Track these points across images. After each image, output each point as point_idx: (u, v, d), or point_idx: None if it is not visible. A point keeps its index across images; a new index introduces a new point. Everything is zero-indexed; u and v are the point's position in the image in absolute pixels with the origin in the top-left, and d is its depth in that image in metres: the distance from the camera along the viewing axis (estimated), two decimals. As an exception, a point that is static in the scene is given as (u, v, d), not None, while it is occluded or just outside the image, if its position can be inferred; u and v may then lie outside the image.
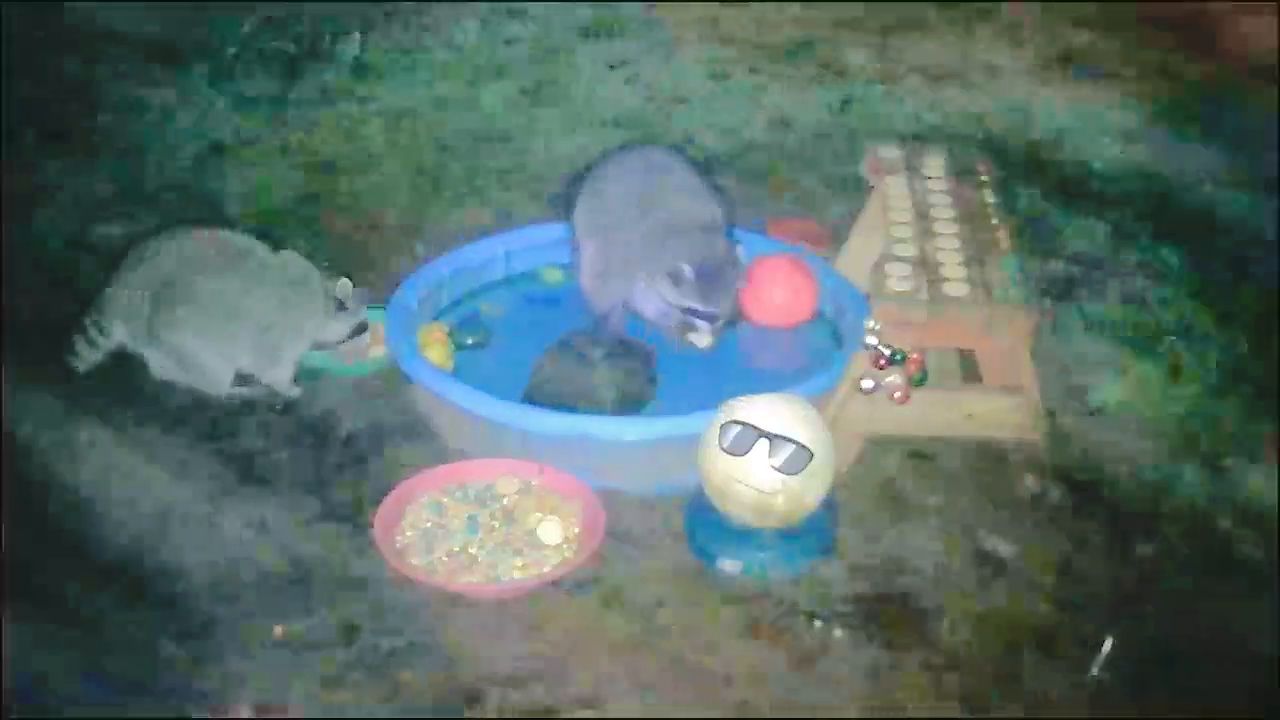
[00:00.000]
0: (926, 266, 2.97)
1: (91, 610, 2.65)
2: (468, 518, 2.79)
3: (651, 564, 2.76)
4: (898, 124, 4.14)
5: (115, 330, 3.12)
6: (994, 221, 3.14)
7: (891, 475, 2.96)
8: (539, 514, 2.79)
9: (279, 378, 3.15)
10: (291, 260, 3.17)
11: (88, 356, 3.15)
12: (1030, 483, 2.92)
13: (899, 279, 2.93)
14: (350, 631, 2.61)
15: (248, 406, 3.12)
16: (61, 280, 3.45)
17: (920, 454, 2.99)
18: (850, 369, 2.93)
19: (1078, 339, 3.31)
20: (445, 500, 2.83)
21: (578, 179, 3.34)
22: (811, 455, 2.66)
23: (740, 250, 3.19)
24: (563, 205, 3.35)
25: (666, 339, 3.19)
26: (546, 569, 2.70)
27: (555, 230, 3.38)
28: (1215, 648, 2.60)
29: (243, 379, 3.14)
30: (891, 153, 3.33)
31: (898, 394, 2.87)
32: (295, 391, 3.16)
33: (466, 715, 2.47)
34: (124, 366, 3.16)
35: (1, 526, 2.78)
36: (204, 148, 4.01)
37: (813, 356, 3.16)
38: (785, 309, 3.26)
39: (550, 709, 2.48)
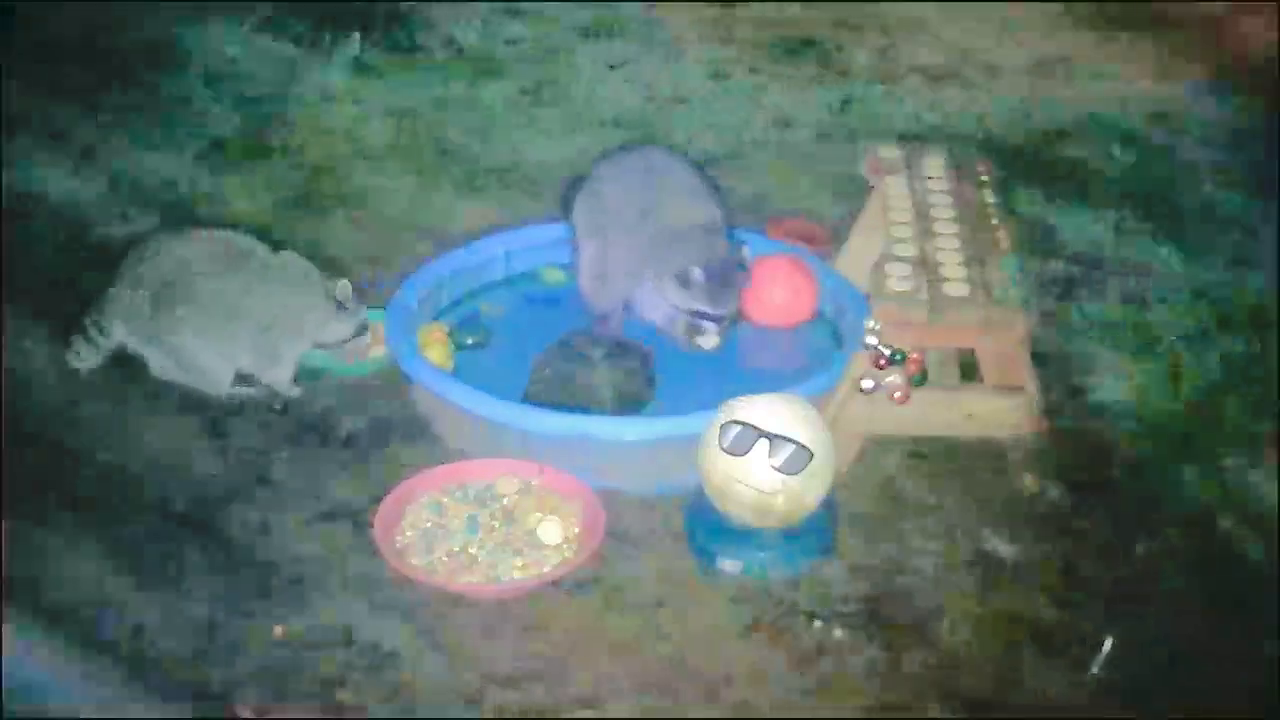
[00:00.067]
0: (926, 266, 2.97)
1: (91, 610, 2.65)
2: (468, 518, 2.79)
3: (651, 564, 2.76)
4: (898, 124, 4.14)
5: (115, 330, 3.12)
6: (994, 221, 3.14)
7: (891, 475, 2.96)
8: (539, 514, 2.79)
9: (279, 378, 3.15)
10: (291, 260, 3.17)
11: (88, 356, 3.15)
12: (1030, 483, 2.92)
13: (899, 279, 2.93)
14: (350, 631, 2.61)
15: (248, 406, 3.12)
16: (61, 280, 3.45)
17: (920, 454, 2.99)
18: (850, 369, 2.92)
19: (1078, 339, 3.31)
20: (445, 500, 2.83)
21: (578, 179, 3.34)
22: (811, 455, 2.66)
23: (747, 250, 3.19)
24: (562, 205, 3.36)
25: (674, 342, 3.19)
26: (546, 569, 2.70)
27: (555, 230, 3.38)
28: (1215, 648, 2.60)
29: (243, 379, 3.14)
30: (891, 153, 3.33)
31: (898, 394, 2.87)
32: (295, 391, 3.16)
33: (466, 715, 2.47)
34: (124, 366, 3.16)
35: (1, 527, 2.79)
36: (204, 148, 4.01)
37: (813, 356, 3.16)
38: (785, 309, 3.26)
39: (550, 709, 2.48)
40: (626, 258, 3.19)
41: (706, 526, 2.77)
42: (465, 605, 2.66)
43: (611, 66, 4.42)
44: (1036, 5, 4.69)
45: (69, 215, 3.71)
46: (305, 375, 3.18)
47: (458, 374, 3.08)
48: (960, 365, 3.06)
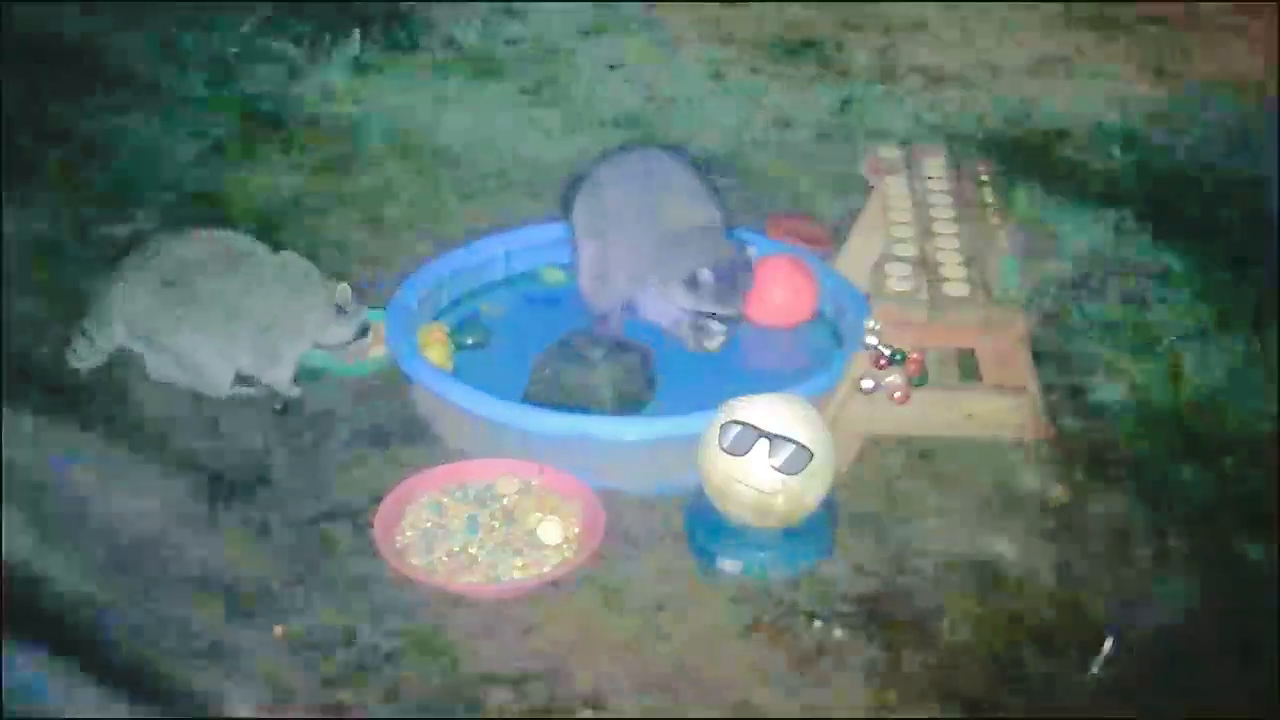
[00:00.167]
0: (926, 266, 2.97)
1: (91, 610, 2.65)
2: (468, 518, 2.79)
3: (651, 564, 2.76)
4: (898, 124, 4.14)
5: (115, 330, 3.12)
6: (994, 222, 3.14)
7: (891, 475, 2.96)
8: (539, 514, 2.79)
9: (279, 378, 3.14)
10: (291, 260, 3.17)
11: (88, 356, 3.15)
12: (1030, 483, 2.92)
13: (899, 279, 2.93)
14: (350, 631, 2.61)
15: (248, 406, 3.12)
16: (61, 280, 3.45)
17: (920, 454, 2.99)
18: (850, 369, 2.92)
19: (1078, 339, 3.31)
20: (445, 500, 2.83)
21: (577, 179, 3.34)
22: (811, 455, 2.66)
23: (753, 250, 3.20)
24: (562, 205, 3.35)
25: (681, 344, 3.19)
26: (546, 569, 2.70)
27: (555, 230, 3.38)
28: (1215, 648, 2.60)
29: (243, 379, 3.14)
30: (891, 153, 3.33)
31: (898, 394, 2.87)
32: (295, 391, 3.16)
33: (466, 715, 2.47)
34: (124, 366, 3.16)
35: (0, 529, 2.79)
36: (204, 148, 4.01)
37: (813, 356, 3.16)
38: (785, 309, 3.26)
39: (550, 709, 2.48)
40: (630, 260, 3.19)
41: (706, 526, 2.77)
42: (465, 605, 2.66)
43: (611, 66, 4.42)
44: (1036, 5, 4.69)
45: (69, 215, 3.71)
46: (305, 375, 3.18)
47: (458, 374, 3.08)
48: (960, 365, 3.06)
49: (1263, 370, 3.20)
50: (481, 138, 4.10)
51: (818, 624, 2.64)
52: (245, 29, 4.50)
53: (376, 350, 3.21)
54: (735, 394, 2.75)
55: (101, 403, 3.11)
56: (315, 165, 3.97)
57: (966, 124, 4.14)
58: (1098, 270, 3.53)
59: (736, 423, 2.68)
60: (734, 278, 3.13)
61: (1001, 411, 2.91)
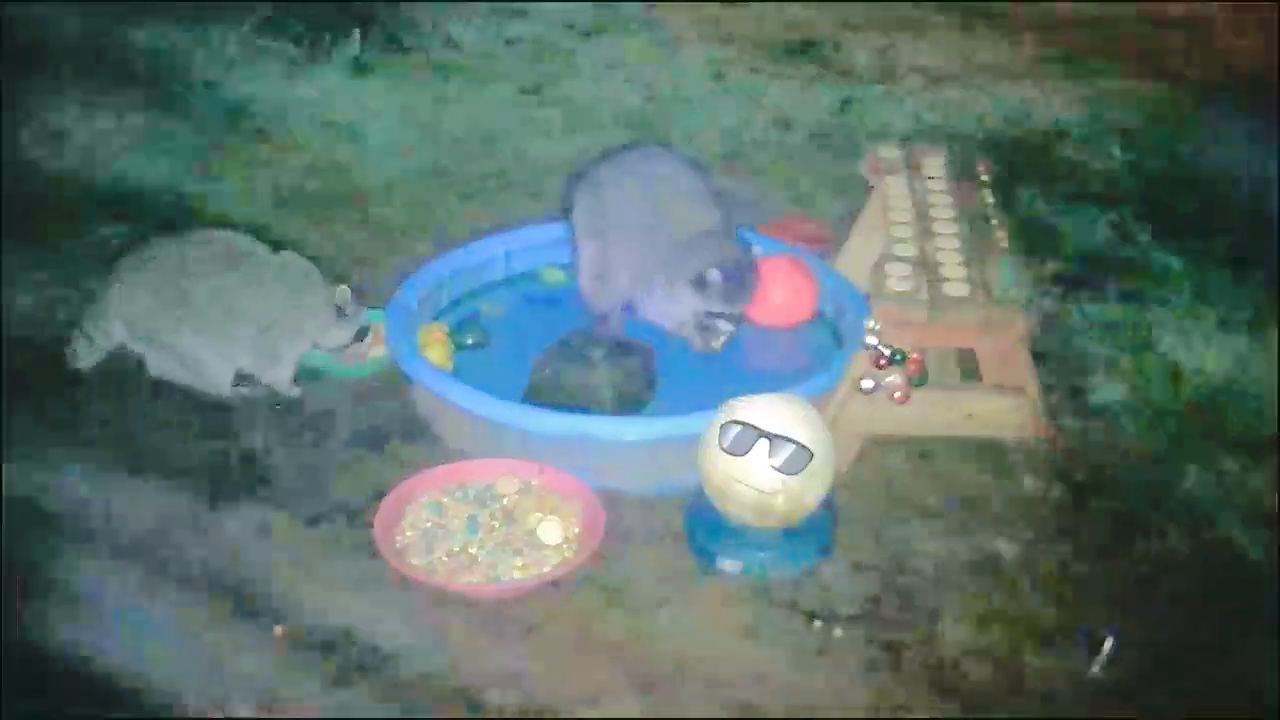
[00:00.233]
0: (926, 266, 2.97)
1: (91, 610, 2.65)
2: (468, 518, 2.79)
3: (651, 564, 2.75)
4: (898, 124, 4.14)
5: (115, 330, 3.12)
6: (994, 221, 3.14)
7: (891, 475, 2.96)
8: (539, 514, 2.79)
9: (279, 378, 3.15)
10: (291, 261, 3.17)
11: (88, 356, 3.15)
12: (1030, 483, 2.92)
13: (899, 279, 2.93)
14: (350, 631, 2.61)
15: (248, 406, 3.12)
16: (62, 280, 3.45)
17: (920, 454, 2.99)
18: (850, 369, 2.92)
19: (1078, 339, 3.31)
20: (445, 500, 2.83)
21: (576, 179, 3.34)
22: (811, 455, 2.66)
23: (758, 249, 3.20)
24: (561, 205, 3.35)
25: (688, 344, 3.19)
26: (546, 569, 2.70)
27: (555, 230, 3.38)
28: (1215, 648, 2.60)
29: (243, 379, 3.14)
30: (891, 153, 3.33)
31: (898, 394, 2.87)
32: (295, 391, 3.16)
33: (466, 715, 2.47)
34: (124, 366, 3.16)
35: (0, 528, 2.79)
36: (204, 148, 4.01)
37: (813, 356, 3.16)
38: (785, 309, 3.26)
39: (550, 709, 2.48)
40: (634, 261, 3.19)
41: (706, 526, 2.77)
42: (465, 605, 2.66)
43: (611, 66, 4.42)
44: (1036, 5, 4.69)
45: (69, 215, 3.71)
46: (305, 375, 3.18)
47: (458, 374, 3.08)
48: (960, 365, 3.06)
49: (1263, 370, 3.20)
50: (481, 137, 4.10)
51: (818, 624, 2.64)
52: (245, 29, 4.49)
53: (376, 351, 3.21)
54: (735, 394, 2.75)
55: (101, 402, 3.11)
56: (315, 165, 3.97)
57: (966, 124, 4.14)
58: (1098, 270, 3.53)
59: (736, 423, 2.68)
60: (741, 277, 3.13)
61: (1001, 411, 2.91)
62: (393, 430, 3.05)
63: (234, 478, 2.93)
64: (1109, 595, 2.70)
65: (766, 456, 2.65)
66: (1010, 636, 2.61)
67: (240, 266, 3.12)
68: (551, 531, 2.74)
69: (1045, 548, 2.79)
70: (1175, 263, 3.55)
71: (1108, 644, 2.58)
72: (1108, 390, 3.17)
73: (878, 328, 2.87)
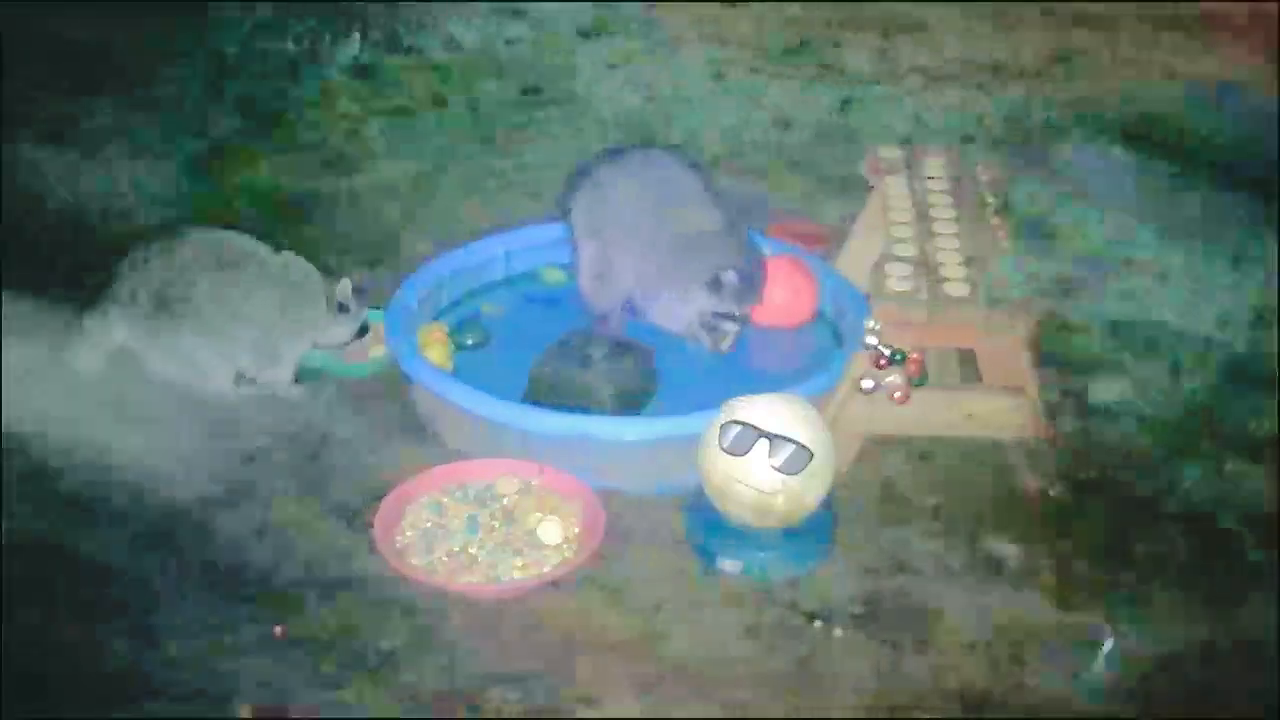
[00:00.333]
0: (926, 266, 2.97)
1: (91, 610, 2.65)
2: (468, 518, 2.79)
3: (651, 564, 2.76)
4: (898, 124, 4.14)
5: (116, 329, 3.12)
6: (994, 221, 3.14)
7: (891, 475, 2.96)
8: (539, 514, 2.79)
9: (279, 378, 3.15)
10: (292, 261, 3.17)
11: (88, 356, 3.15)
12: (1030, 483, 2.92)
13: (899, 279, 2.93)
14: (350, 631, 2.61)
15: (248, 406, 3.12)
16: (62, 280, 3.45)
17: (920, 454, 2.99)
18: (850, 369, 2.92)
19: (1078, 339, 3.31)
20: (445, 500, 2.83)
21: (575, 179, 3.33)
22: (811, 455, 2.66)
23: (766, 251, 3.20)
24: (560, 205, 3.35)
25: (699, 345, 3.19)
26: (546, 569, 2.70)
27: (555, 230, 3.38)
28: (1215, 648, 2.60)
29: (243, 379, 3.14)
30: (891, 153, 3.33)
31: (898, 394, 2.87)
32: (295, 392, 3.16)
33: (466, 715, 2.47)
34: (124, 366, 3.16)
35: (1, 527, 2.79)
36: (204, 148, 4.01)
37: (813, 356, 3.16)
38: (785, 309, 3.26)
39: (550, 709, 2.48)
40: (636, 262, 3.20)
41: (706, 526, 2.77)
42: (465, 605, 2.66)
43: (611, 66, 4.42)
44: (1036, 5, 4.69)
45: (69, 215, 3.71)
46: (305, 375, 3.18)
47: (458, 374, 3.08)
48: (960, 365, 3.07)
49: (1263, 371, 3.20)
50: (483, 137, 4.10)
51: (818, 624, 2.64)
52: (245, 29, 4.49)
53: (376, 350, 3.21)
54: (735, 394, 2.75)
55: (101, 402, 3.11)
56: (315, 165, 3.97)
57: (966, 124, 4.14)
58: (1098, 270, 3.53)
59: (736, 423, 2.68)
60: (753, 278, 3.14)
61: (1001, 411, 2.91)
62: (393, 430, 3.06)
63: (234, 477, 2.93)
64: (1109, 595, 2.70)
65: (766, 456, 2.65)
66: (1010, 636, 2.61)
67: (240, 266, 3.12)
68: (551, 531, 2.74)
69: (1045, 548, 2.79)
70: (1175, 263, 3.55)
71: (1107, 644, 2.58)
72: (1108, 390, 3.17)
73: (878, 328, 2.87)
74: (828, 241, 3.49)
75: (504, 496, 2.84)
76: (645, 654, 2.58)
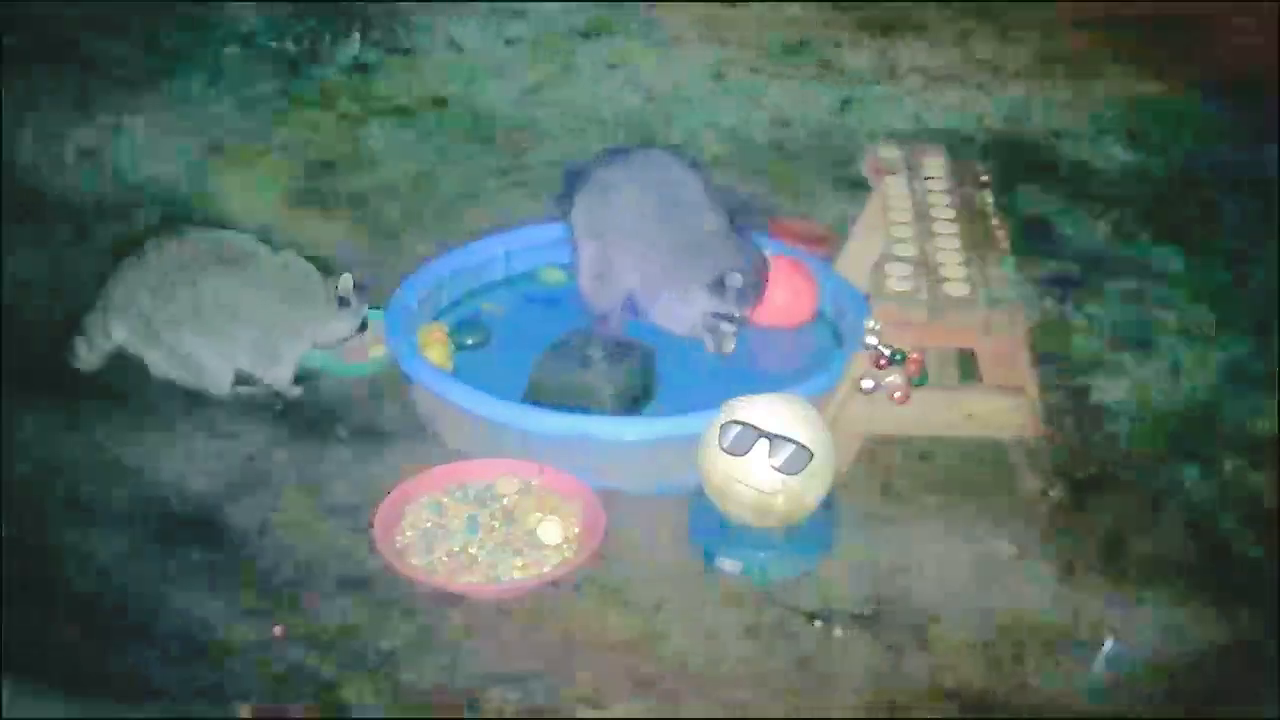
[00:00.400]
0: (926, 266, 2.97)
1: (91, 610, 2.65)
2: (468, 518, 2.79)
3: (651, 564, 2.76)
4: (898, 124, 4.14)
5: (115, 330, 3.12)
6: (994, 221, 3.14)
7: (891, 475, 2.96)
8: (539, 514, 2.79)
9: (279, 378, 3.15)
10: (291, 260, 3.17)
11: (88, 357, 3.15)
12: (1030, 483, 2.92)
13: (899, 279, 2.93)
14: (350, 632, 2.61)
15: (248, 406, 3.12)
16: (62, 280, 3.45)
17: (920, 454, 2.99)
18: (850, 369, 2.92)
19: (1078, 339, 3.31)
20: (445, 500, 2.83)
21: (575, 179, 3.33)
22: (811, 455, 2.66)
23: (767, 251, 3.21)
24: (559, 205, 3.35)
25: (702, 346, 3.19)
26: (546, 569, 2.70)
27: (555, 230, 3.37)
28: (1215, 648, 2.60)
29: (243, 379, 3.14)
30: (891, 153, 3.33)
31: (898, 394, 2.87)
32: (296, 391, 3.16)
33: (466, 715, 2.47)
34: (124, 366, 3.16)
35: (1, 527, 2.79)
36: (204, 148, 4.01)
37: (813, 356, 3.16)
38: (785, 310, 3.26)
39: (550, 709, 2.48)
40: (638, 263, 3.19)
41: (706, 526, 2.77)
42: (465, 605, 2.66)
43: (611, 66, 4.42)
44: (1036, 5, 4.69)
45: (69, 215, 3.71)
46: (305, 375, 3.18)
47: (458, 374, 3.08)
48: (960, 365, 3.07)
49: (1262, 371, 3.20)
50: (482, 137, 4.10)
51: (818, 624, 2.64)
52: (245, 29, 4.49)
53: (376, 350, 3.21)
54: (735, 394, 2.75)
55: (102, 402, 3.11)
56: (315, 165, 3.97)
57: (966, 124, 4.14)
58: (1098, 270, 3.53)
59: (736, 423, 2.68)
60: (756, 280, 3.14)
61: (1001, 411, 2.91)
62: (393, 430, 3.06)
63: (234, 477, 2.93)
64: (1109, 595, 2.70)
65: (766, 456, 2.65)
66: (1010, 636, 2.61)
67: (240, 266, 3.12)
68: (551, 531, 2.74)
69: (1045, 548, 2.79)
70: (1175, 263, 3.55)
71: (1107, 643, 2.58)
72: (1108, 390, 3.17)
73: (878, 328, 2.87)
74: (828, 241, 3.49)
75: (504, 496, 2.84)
76: (645, 654, 2.58)
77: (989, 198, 3.21)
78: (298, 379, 3.17)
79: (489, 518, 2.80)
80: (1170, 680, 2.54)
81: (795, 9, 4.70)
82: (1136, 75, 4.35)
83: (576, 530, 2.77)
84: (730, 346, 3.18)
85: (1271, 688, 2.52)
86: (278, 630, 2.60)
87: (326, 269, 3.19)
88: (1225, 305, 3.40)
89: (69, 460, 2.97)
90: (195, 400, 3.12)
